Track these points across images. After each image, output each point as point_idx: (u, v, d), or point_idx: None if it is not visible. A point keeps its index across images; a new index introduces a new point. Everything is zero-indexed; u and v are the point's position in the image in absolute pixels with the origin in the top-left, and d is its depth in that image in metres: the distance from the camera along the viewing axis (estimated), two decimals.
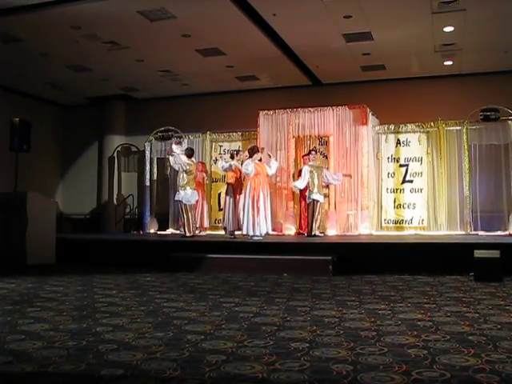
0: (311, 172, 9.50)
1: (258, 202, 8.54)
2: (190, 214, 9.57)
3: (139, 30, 9.45)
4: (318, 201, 9.48)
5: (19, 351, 3.00)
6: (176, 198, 9.72)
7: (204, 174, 11.32)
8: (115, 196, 14.33)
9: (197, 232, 10.49)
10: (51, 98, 14.44)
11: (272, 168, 9.03)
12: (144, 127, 13.33)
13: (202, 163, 11.58)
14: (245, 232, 8.66)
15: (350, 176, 10.24)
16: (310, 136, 11.00)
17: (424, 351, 2.94)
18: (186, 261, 7.55)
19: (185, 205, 9.50)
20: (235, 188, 9.68)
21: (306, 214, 10.10)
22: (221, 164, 9.85)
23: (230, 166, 9.64)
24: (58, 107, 15.14)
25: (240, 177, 9.66)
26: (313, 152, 9.92)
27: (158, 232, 12.21)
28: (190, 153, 9.95)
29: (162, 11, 8.70)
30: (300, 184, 9.57)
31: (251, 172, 8.62)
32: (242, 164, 9.21)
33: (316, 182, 9.50)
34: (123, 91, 13.84)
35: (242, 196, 8.89)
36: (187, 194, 9.51)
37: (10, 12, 8.66)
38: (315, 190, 9.46)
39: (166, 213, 12.43)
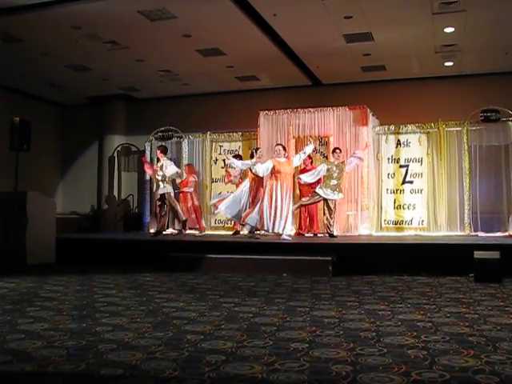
0: (329, 170, 9.26)
1: (276, 202, 8.45)
2: (176, 202, 9.96)
3: (139, 29, 9.44)
4: (324, 198, 9.28)
5: (19, 351, 3.00)
6: (162, 192, 9.79)
7: (194, 176, 11.07)
8: (115, 196, 14.33)
9: (198, 233, 10.56)
10: (51, 97, 14.43)
11: (307, 150, 8.92)
12: (144, 127, 13.32)
13: (190, 165, 11.42)
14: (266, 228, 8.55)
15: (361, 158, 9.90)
16: (311, 136, 10.95)
17: (423, 352, 2.95)
18: (185, 261, 7.56)
19: (169, 195, 9.79)
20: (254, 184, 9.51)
21: (306, 215, 10.09)
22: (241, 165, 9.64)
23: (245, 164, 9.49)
24: (58, 107, 15.14)
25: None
26: (337, 151, 9.60)
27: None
28: (164, 149, 10.19)
29: (162, 11, 8.70)
30: (307, 178, 9.32)
31: (262, 173, 8.70)
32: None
33: (331, 179, 9.24)
34: (123, 91, 13.84)
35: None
36: (169, 187, 9.83)
37: (10, 12, 8.65)
38: (326, 187, 9.23)
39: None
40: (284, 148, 9.00)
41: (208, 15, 8.83)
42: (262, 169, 8.62)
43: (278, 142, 9.63)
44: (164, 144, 11.55)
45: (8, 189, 9.21)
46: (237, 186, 10.00)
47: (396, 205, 10.79)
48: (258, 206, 8.79)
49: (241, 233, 9.36)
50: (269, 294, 5.28)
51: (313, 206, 9.84)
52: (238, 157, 10.37)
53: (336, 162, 9.45)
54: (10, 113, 10.79)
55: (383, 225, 10.81)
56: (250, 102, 12.22)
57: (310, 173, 9.44)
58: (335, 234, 9.44)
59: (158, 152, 10.15)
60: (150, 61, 11.28)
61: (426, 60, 11.14)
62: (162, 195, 9.80)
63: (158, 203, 10.00)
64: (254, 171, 8.88)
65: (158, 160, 10.24)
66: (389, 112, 11.25)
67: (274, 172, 8.55)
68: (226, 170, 10.65)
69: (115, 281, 6.35)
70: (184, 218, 9.92)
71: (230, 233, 10.41)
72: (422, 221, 10.59)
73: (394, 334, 3.45)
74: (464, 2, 8.25)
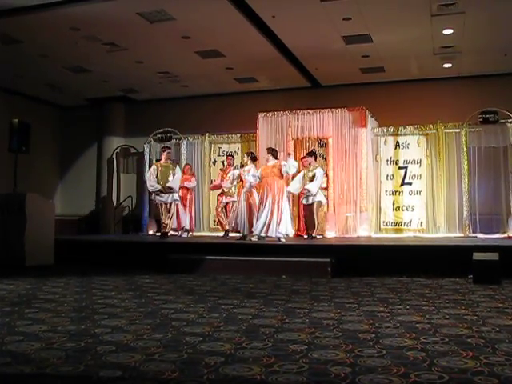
0: (304, 176, 9.42)
1: (263, 206, 8.57)
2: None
3: (139, 31, 9.45)
4: (309, 204, 9.39)
5: (17, 352, 3.00)
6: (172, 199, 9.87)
7: (193, 178, 10.95)
8: (114, 197, 14.33)
9: (185, 235, 10.67)
10: (50, 99, 14.43)
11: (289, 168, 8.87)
12: (143, 129, 13.33)
13: (188, 165, 11.27)
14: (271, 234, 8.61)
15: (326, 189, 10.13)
16: (309, 138, 11.00)
17: (422, 353, 2.94)
18: (184, 262, 7.55)
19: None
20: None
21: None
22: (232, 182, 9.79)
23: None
24: (57, 108, 15.13)
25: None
26: (308, 157, 9.75)
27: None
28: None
29: (161, 13, 8.71)
30: (292, 188, 9.34)
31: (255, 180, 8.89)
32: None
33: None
34: (122, 93, 13.85)
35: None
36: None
37: (10, 13, 8.66)
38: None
39: None
40: (270, 151, 9.05)
41: (207, 17, 8.84)
42: (250, 177, 8.95)
43: (267, 147, 9.72)
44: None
45: (7, 190, 9.19)
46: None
47: (395, 206, 10.80)
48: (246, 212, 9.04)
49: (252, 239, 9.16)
50: (268, 296, 5.27)
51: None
52: (231, 157, 10.46)
53: (309, 167, 9.57)
54: (9, 114, 10.77)
55: (382, 226, 10.82)
56: (248, 104, 12.23)
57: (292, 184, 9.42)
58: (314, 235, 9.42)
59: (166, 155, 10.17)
60: (149, 62, 11.28)
61: (424, 62, 11.15)
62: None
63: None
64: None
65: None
66: (388, 113, 11.26)
67: (262, 177, 8.78)
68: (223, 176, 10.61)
69: (114, 282, 6.34)
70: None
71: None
72: (421, 222, 10.60)
73: (393, 335, 3.44)
74: (463, 4, 8.27)
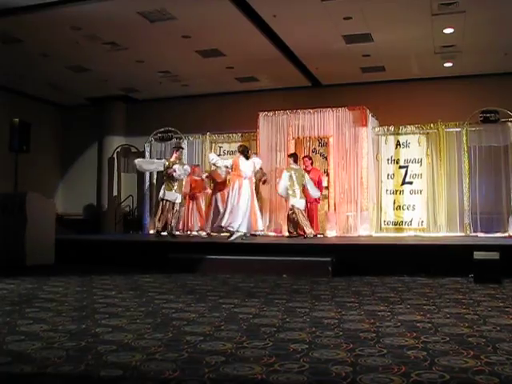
0: (290, 177, 9.40)
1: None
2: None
3: (139, 30, 9.45)
4: (297, 207, 9.34)
5: (18, 352, 3.00)
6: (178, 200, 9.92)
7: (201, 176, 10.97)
8: (115, 197, 14.33)
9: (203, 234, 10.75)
10: (51, 98, 14.44)
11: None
12: (144, 128, 13.32)
13: (196, 166, 11.36)
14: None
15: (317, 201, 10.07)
16: (310, 137, 11.00)
17: (423, 353, 2.94)
18: (185, 262, 7.55)
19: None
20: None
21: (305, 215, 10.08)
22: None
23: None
24: (57, 108, 15.14)
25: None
26: (292, 157, 9.81)
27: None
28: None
29: (162, 12, 8.71)
30: (279, 189, 9.53)
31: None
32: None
33: (295, 186, 9.36)
34: (123, 92, 13.85)
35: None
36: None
37: (10, 12, 8.66)
38: (294, 194, 9.37)
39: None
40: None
41: (208, 16, 8.84)
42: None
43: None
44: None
45: (8, 190, 9.20)
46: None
47: (395, 205, 10.79)
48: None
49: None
50: (268, 295, 5.27)
51: (312, 207, 9.84)
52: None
53: (294, 167, 9.59)
54: (10, 114, 10.79)
55: (383, 225, 10.81)
56: (249, 103, 12.24)
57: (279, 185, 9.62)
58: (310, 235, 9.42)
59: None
60: (149, 62, 11.28)
61: (425, 61, 11.15)
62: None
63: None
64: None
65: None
66: (388, 113, 11.26)
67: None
68: None
69: (115, 282, 6.34)
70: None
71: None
72: (422, 221, 10.59)
73: (394, 334, 3.44)
74: (463, 3, 8.27)
